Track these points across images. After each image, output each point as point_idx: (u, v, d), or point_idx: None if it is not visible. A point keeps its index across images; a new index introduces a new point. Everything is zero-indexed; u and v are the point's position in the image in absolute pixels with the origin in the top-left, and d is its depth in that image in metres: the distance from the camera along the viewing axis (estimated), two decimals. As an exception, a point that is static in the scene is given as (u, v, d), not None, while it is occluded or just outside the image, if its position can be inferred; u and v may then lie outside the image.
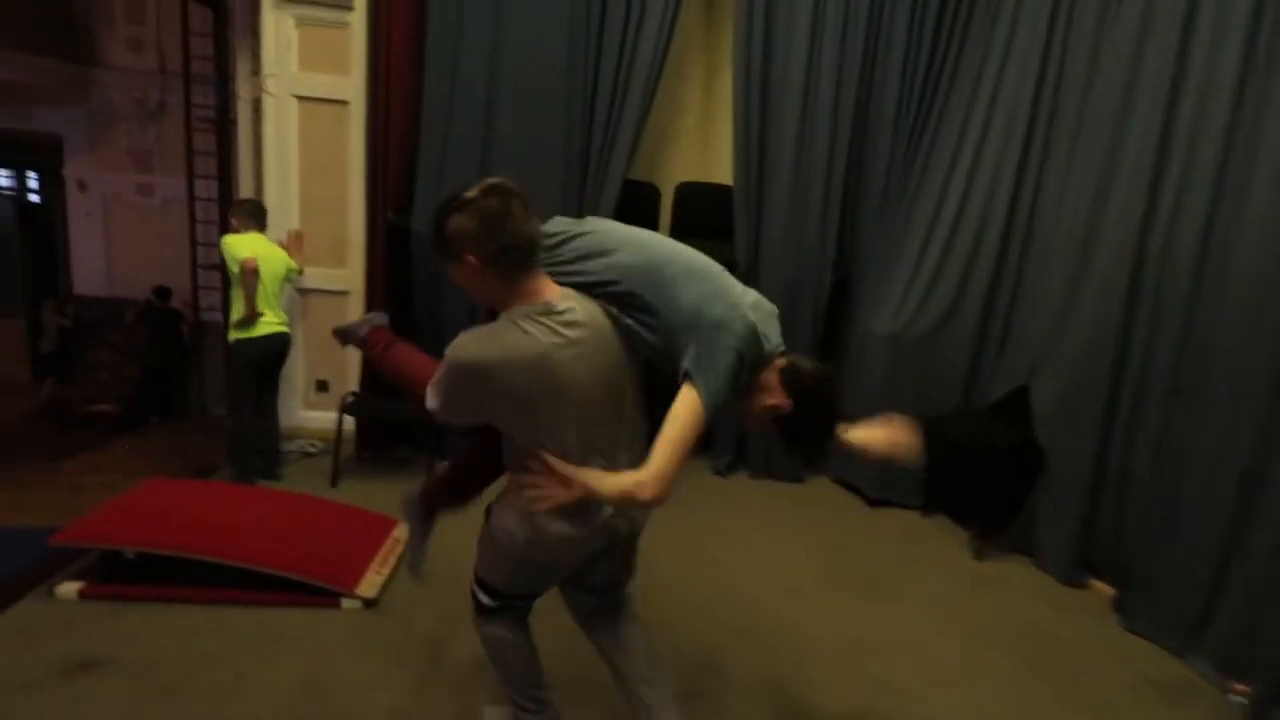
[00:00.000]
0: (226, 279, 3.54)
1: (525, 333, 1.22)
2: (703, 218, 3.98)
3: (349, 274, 3.94)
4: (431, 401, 1.30)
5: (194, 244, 5.65)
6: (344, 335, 1.63)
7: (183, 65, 5.43)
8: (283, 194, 3.78)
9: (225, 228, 4.02)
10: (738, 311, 1.33)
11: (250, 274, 3.13)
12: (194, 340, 5.97)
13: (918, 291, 3.52)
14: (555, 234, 1.42)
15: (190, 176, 5.48)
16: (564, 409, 1.27)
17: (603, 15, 3.53)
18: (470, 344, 1.25)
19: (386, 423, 3.88)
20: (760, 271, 3.75)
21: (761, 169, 3.74)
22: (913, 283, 3.54)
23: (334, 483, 3.44)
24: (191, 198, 5.53)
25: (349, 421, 3.68)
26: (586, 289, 1.36)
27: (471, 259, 1.23)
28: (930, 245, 3.54)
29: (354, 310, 3.87)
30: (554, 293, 1.31)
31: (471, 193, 1.24)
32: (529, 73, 3.52)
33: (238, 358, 3.31)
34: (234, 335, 3.28)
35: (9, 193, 6.91)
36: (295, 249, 3.55)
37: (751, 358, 1.33)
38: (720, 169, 4.17)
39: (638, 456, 1.34)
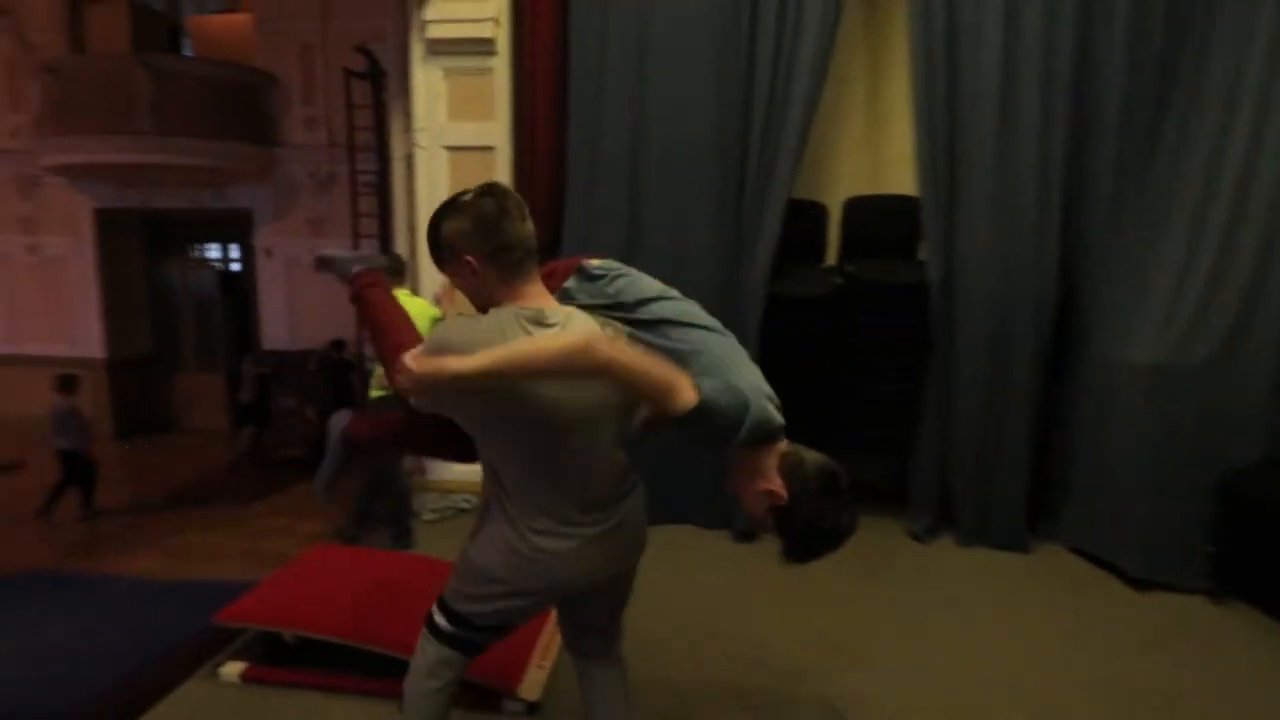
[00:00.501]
0: None
1: (505, 327, 1.20)
2: (878, 235, 3.45)
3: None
4: (403, 380, 1.21)
5: (357, 300, 6.00)
6: (326, 263, 1.56)
7: (347, 137, 5.85)
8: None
9: None
10: (761, 387, 1.29)
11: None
12: (363, 387, 6.32)
13: (1186, 308, 2.72)
14: (605, 271, 1.40)
15: (355, 237, 5.84)
16: (527, 421, 1.21)
17: (753, 24, 3.17)
18: (452, 329, 1.26)
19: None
20: (957, 289, 3.13)
21: (953, 175, 3.14)
22: (1179, 298, 2.74)
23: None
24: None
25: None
26: (610, 309, 1.35)
27: (470, 259, 1.22)
28: (1199, 250, 2.74)
29: None
30: (550, 303, 1.29)
31: (466, 196, 1.25)
32: (677, 93, 3.23)
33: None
34: (374, 393, 3.14)
35: (214, 264, 7.84)
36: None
37: (754, 425, 1.22)
38: (893, 179, 3.63)
39: (610, 492, 1.31)
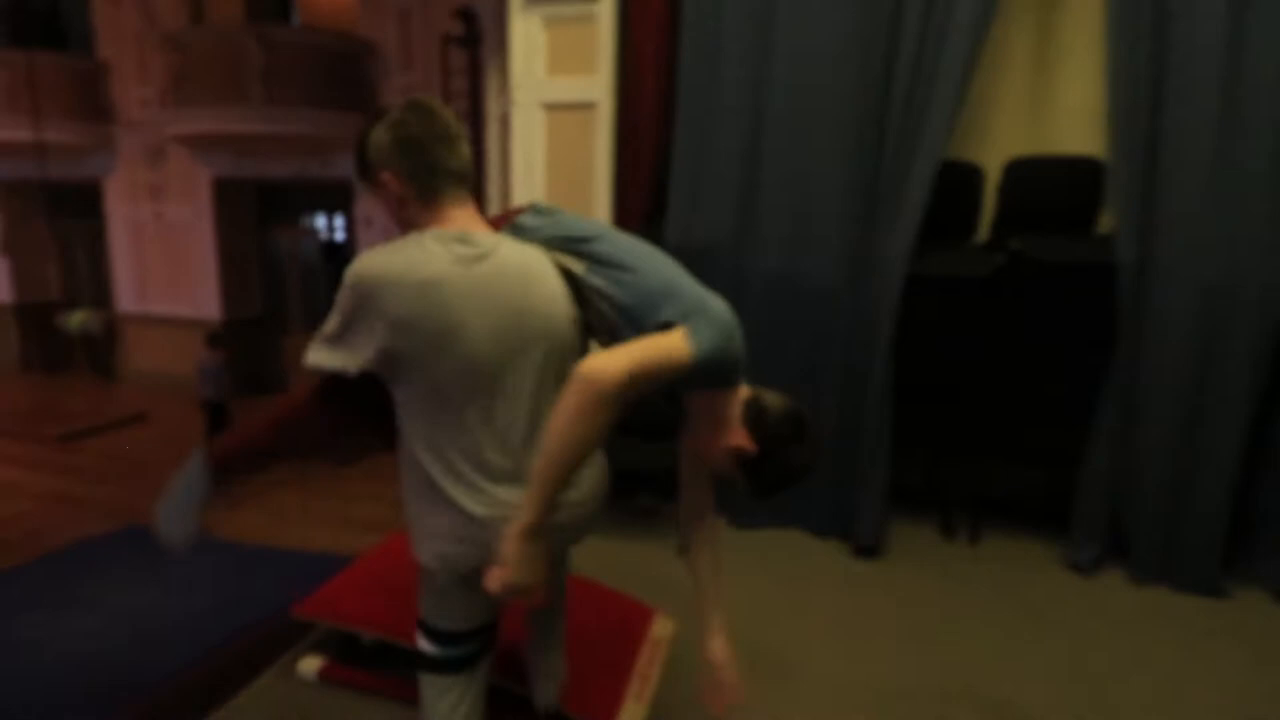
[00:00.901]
0: None
1: (425, 250, 1.11)
2: (1046, 204, 2.86)
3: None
4: (315, 346, 1.16)
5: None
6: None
7: (442, 95, 5.71)
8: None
9: None
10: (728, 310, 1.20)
11: None
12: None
13: None
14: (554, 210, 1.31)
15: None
16: (446, 357, 1.10)
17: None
18: (367, 257, 1.13)
19: (624, 467, 3.42)
20: (1154, 273, 2.54)
21: (1156, 132, 2.53)
22: None
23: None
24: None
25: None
26: (554, 242, 1.25)
27: (387, 176, 1.15)
28: None
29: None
30: (480, 227, 1.19)
31: (394, 110, 1.16)
32: (807, 35, 2.77)
33: None
34: None
35: (319, 233, 8.07)
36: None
37: (734, 360, 1.18)
38: (1066, 137, 3.02)
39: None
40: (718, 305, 1.19)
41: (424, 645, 1.28)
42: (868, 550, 2.80)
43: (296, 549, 3.10)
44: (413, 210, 1.17)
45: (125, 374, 8.14)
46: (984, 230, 3.06)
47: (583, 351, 1.25)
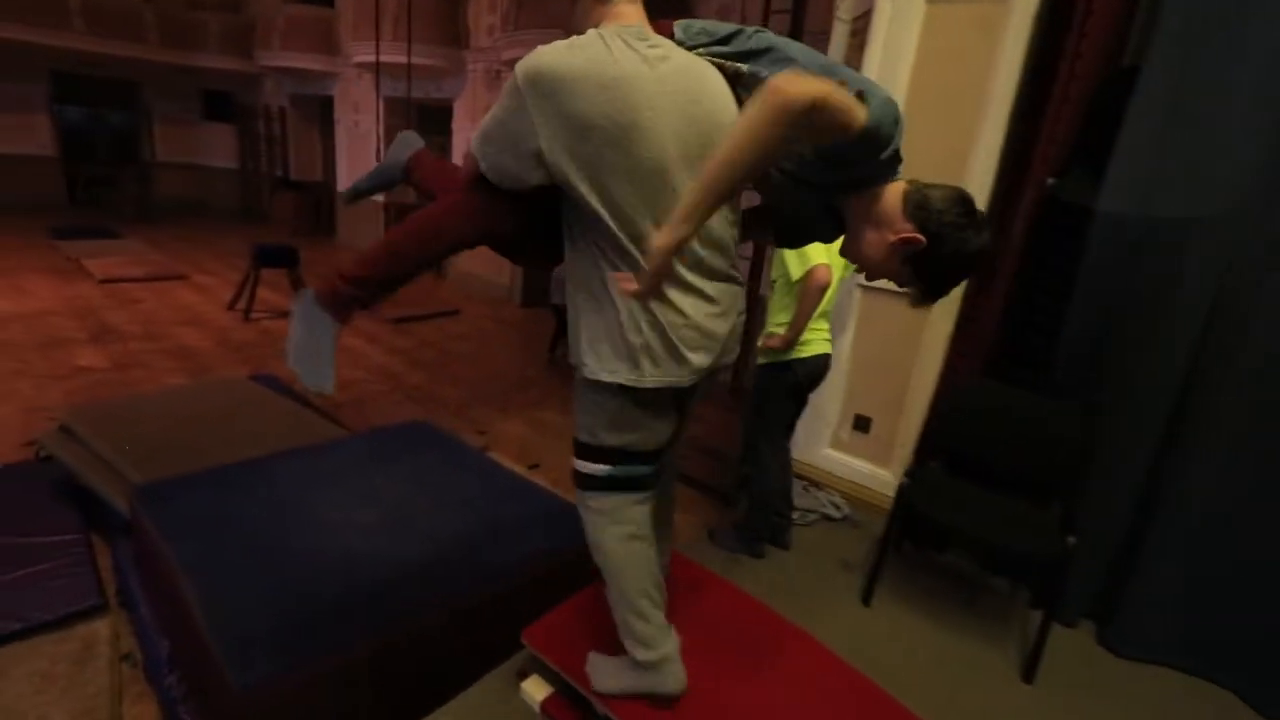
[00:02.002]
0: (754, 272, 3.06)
1: (609, 49, 1.12)
2: None
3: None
4: (477, 147, 1.22)
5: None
6: (363, 190, 1.79)
7: (762, 15, 5.12)
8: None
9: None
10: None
11: (818, 289, 2.37)
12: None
13: None
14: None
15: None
16: (629, 158, 1.12)
17: None
18: (546, 52, 1.14)
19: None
20: None
21: None
22: None
23: (867, 599, 2.44)
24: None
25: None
26: (711, 49, 1.25)
27: None
28: None
29: (941, 321, 2.79)
30: (649, 27, 1.22)
31: None
32: None
33: (776, 386, 2.57)
34: (772, 358, 2.57)
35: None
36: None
37: (896, 141, 1.15)
38: None
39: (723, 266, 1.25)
40: (882, 87, 1.15)
41: (596, 470, 1.32)
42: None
43: (547, 490, 3.04)
44: (585, 8, 1.20)
45: (454, 273, 9.50)
46: None
47: None
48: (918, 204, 1.17)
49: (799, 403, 2.65)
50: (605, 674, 1.52)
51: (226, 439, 3.44)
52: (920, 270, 1.19)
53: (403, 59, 7.81)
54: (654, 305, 1.17)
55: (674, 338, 1.19)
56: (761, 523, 2.67)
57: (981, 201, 2.54)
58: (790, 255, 2.47)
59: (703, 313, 1.20)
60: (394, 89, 8.61)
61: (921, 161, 2.49)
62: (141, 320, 6.26)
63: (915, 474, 2.42)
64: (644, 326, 1.18)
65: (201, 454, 3.19)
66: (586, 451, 1.34)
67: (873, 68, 2.53)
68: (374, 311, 7.34)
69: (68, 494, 3.15)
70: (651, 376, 1.21)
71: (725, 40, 1.25)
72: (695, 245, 1.18)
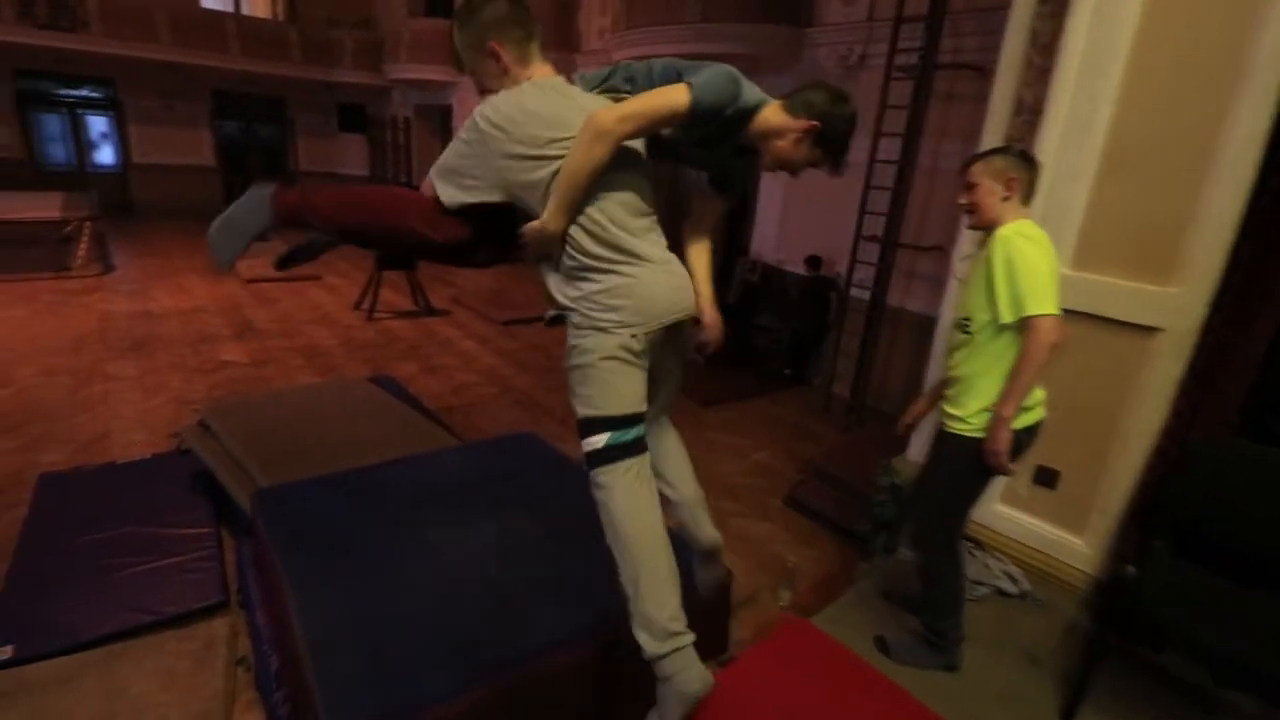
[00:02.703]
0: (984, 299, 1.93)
1: (560, 97, 1.51)
2: None
3: (1177, 296, 2.11)
4: (437, 182, 1.53)
5: (862, 211, 5.05)
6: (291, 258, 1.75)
7: (896, 3, 4.68)
8: (1077, 140, 2.14)
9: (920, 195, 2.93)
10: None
11: (1047, 348, 1.71)
12: (839, 314, 5.59)
13: None
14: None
15: (876, 133, 4.81)
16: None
17: None
18: (526, 103, 1.48)
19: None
20: None
21: None
22: None
23: (1069, 716, 1.92)
24: (872, 158, 4.87)
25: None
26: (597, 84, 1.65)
27: (495, 45, 1.50)
28: None
29: (1169, 362, 2.16)
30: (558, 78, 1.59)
31: None
32: None
33: (979, 464, 1.85)
34: (976, 430, 1.86)
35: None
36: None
37: (736, 89, 1.46)
38: None
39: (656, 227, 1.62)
40: (710, 67, 1.48)
41: (599, 443, 1.45)
42: None
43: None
44: (499, 67, 1.53)
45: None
46: None
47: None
48: (802, 104, 1.52)
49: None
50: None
51: (344, 441, 3.52)
52: (826, 146, 1.55)
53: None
54: (593, 275, 1.49)
55: (613, 300, 1.48)
56: (954, 628, 2.09)
57: (1234, 206, 1.95)
58: (999, 284, 1.75)
59: (639, 271, 1.50)
60: (508, 95, 8.80)
61: (1147, 153, 2.00)
62: (278, 318, 6.73)
63: (1142, 561, 1.88)
64: (596, 295, 1.49)
65: (321, 455, 3.27)
66: (588, 426, 1.48)
67: (1076, 43, 2.07)
68: (487, 310, 7.51)
69: (203, 488, 3.33)
70: (616, 331, 1.46)
71: (607, 78, 1.64)
72: (624, 216, 1.51)
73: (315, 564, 2.27)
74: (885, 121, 4.75)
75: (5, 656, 2.26)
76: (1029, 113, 2.17)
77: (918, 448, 2.96)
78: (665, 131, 1.51)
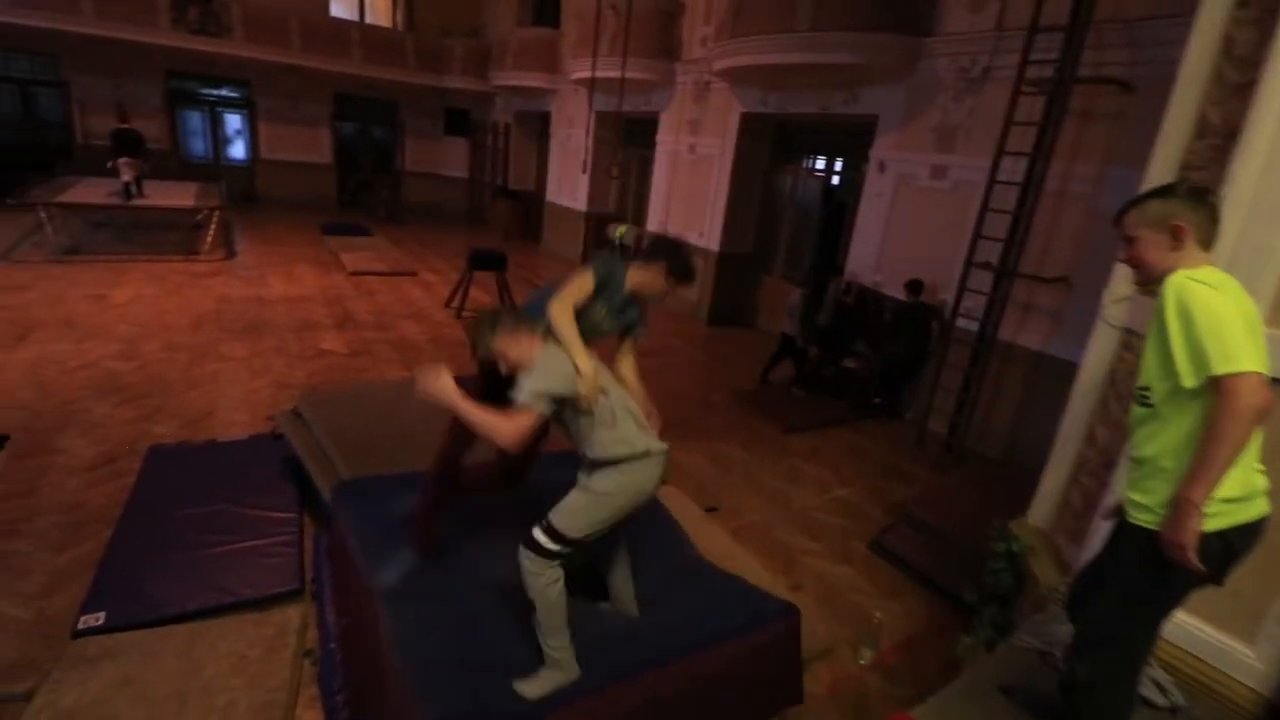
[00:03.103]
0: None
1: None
2: None
3: None
4: (529, 398, 1.87)
5: (976, 235, 4.66)
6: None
7: (1032, 14, 4.29)
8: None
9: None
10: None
11: (1251, 413, 1.34)
12: (940, 345, 5.19)
13: None
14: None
15: (999, 151, 4.43)
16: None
17: None
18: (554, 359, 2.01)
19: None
20: None
21: None
22: None
23: None
24: (992, 179, 4.49)
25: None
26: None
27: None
28: None
29: None
30: None
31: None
32: None
33: (1180, 569, 1.44)
34: (1209, 521, 1.43)
35: (819, 175, 7.64)
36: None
37: (616, 271, 2.31)
38: None
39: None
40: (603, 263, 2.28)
41: (549, 545, 1.92)
42: None
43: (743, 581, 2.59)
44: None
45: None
46: None
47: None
48: (649, 254, 2.29)
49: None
50: (533, 687, 1.89)
51: (427, 441, 3.55)
52: (676, 276, 2.25)
53: (617, 74, 7.98)
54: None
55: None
56: None
57: None
58: (1175, 341, 1.42)
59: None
60: (605, 104, 8.85)
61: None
62: (376, 311, 7.01)
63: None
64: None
65: (403, 451, 3.29)
66: (556, 538, 1.93)
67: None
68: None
69: (291, 473, 3.44)
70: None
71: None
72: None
73: (394, 561, 2.26)
74: (1010, 139, 4.37)
75: (97, 623, 2.37)
76: (1217, 136, 1.84)
77: (1043, 510, 2.62)
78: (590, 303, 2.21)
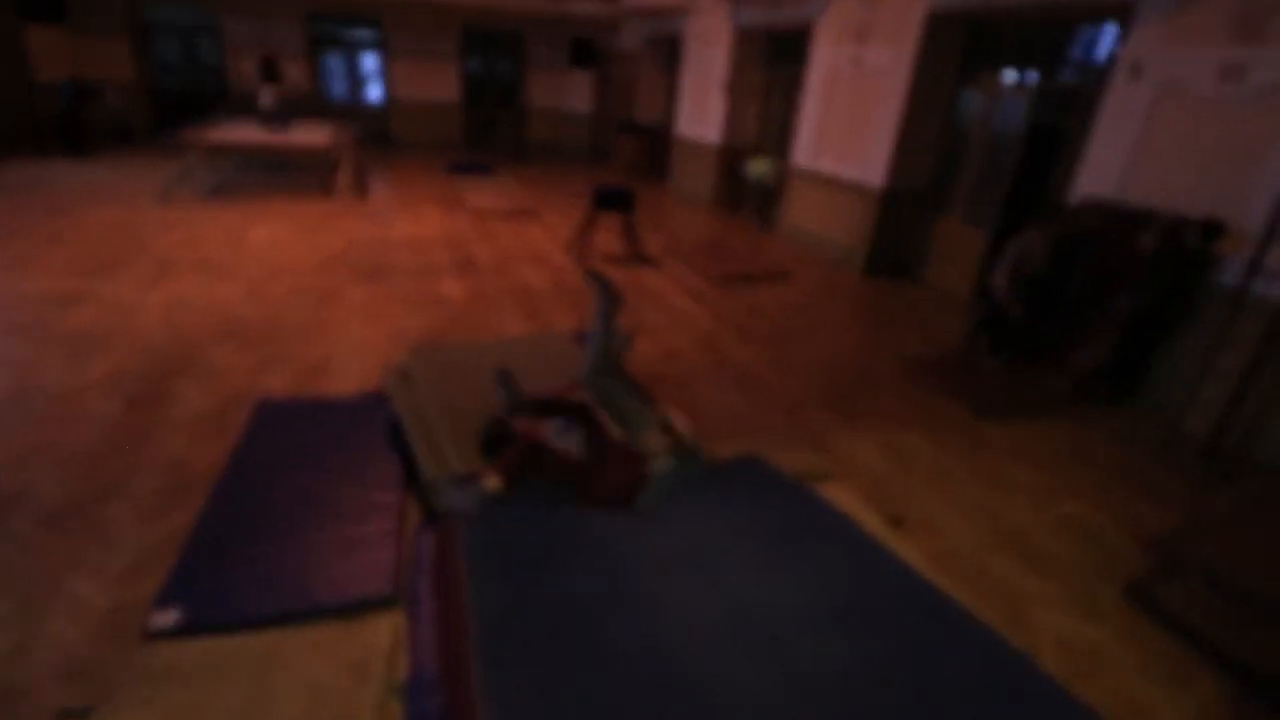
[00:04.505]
0: None
1: None
2: None
3: None
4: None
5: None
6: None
7: None
8: None
9: None
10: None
11: None
12: (1219, 312, 3.85)
13: None
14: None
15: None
16: None
17: None
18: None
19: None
20: None
21: None
22: None
23: None
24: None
25: None
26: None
27: None
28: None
29: None
30: None
31: None
32: None
33: None
34: None
35: (1028, 90, 6.03)
36: None
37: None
38: None
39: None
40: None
41: None
42: None
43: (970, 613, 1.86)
44: None
45: (782, 227, 8.45)
46: None
47: None
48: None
49: None
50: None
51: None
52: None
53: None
54: None
55: None
56: None
57: None
58: None
59: None
60: (748, 16, 7.64)
61: None
62: (497, 254, 6.58)
63: None
64: None
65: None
66: None
67: None
68: (702, 265, 6.72)
69: (397, 441, 3.00)
70: None
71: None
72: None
73: (511, 605, 1.73)
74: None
75: (168, 623, 2.00)
76: None
77: None
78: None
